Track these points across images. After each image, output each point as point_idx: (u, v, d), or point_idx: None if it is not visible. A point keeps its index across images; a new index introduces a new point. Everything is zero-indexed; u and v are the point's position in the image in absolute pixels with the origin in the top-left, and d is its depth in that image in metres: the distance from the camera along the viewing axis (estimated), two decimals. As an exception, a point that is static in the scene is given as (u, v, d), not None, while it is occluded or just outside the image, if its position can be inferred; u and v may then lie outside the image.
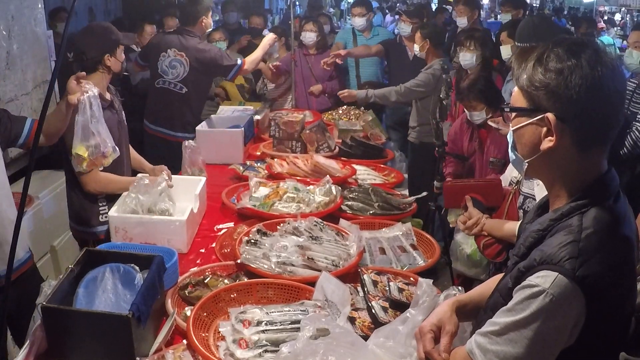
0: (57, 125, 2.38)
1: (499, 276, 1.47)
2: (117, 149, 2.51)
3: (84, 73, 2.34)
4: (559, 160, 1.15)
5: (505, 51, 3.70)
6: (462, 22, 4.93)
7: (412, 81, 4.20)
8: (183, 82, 3.96)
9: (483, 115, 3.13)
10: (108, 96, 2.74)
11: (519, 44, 3.14)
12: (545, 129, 1.13)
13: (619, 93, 1.13)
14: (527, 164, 1.20)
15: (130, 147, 3.03)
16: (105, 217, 2.67)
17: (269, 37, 4.30)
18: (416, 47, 4.28)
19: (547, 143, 1.13)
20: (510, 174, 2.51)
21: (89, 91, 2.32)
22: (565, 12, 17.37)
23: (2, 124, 2.33)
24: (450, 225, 2.94)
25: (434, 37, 4.23)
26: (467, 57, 3.73)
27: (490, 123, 2.95)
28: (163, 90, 4.00)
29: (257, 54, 4.19)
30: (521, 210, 2.32)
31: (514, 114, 1.21)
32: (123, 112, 2.90)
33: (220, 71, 4.10)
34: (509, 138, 1.24)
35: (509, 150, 1.27)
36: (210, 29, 4.55)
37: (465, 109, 3.27)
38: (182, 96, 3.98)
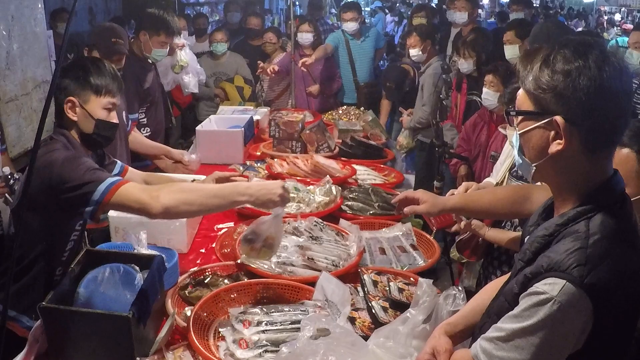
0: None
1: (491, 287, 1.47)
2: None
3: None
4: (566, 164, 1.14)
5: (511, 51, 3.66)
6: (461, 17, 4.87)
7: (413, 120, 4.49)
8: None
9: (471, 66, 3.50)
10: None
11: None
12: (553, 132, 1.11)
13: (626, 93, 1.11)
14: (534, 168, 1.18)
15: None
16: None
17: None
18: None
19: (556, 146, 1.11)
20: (496, 177, 2.53)
21: None
22: (565, 12, 17.37)
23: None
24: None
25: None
26: (464, 66, 3.82)
27: (500, 130, 2.98)
28: None
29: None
30: None
31: (519, 118, 1.18)
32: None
33: None
34: (515, 142, 1.22)
35: (516, 154, 1.24)
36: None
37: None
38: None
